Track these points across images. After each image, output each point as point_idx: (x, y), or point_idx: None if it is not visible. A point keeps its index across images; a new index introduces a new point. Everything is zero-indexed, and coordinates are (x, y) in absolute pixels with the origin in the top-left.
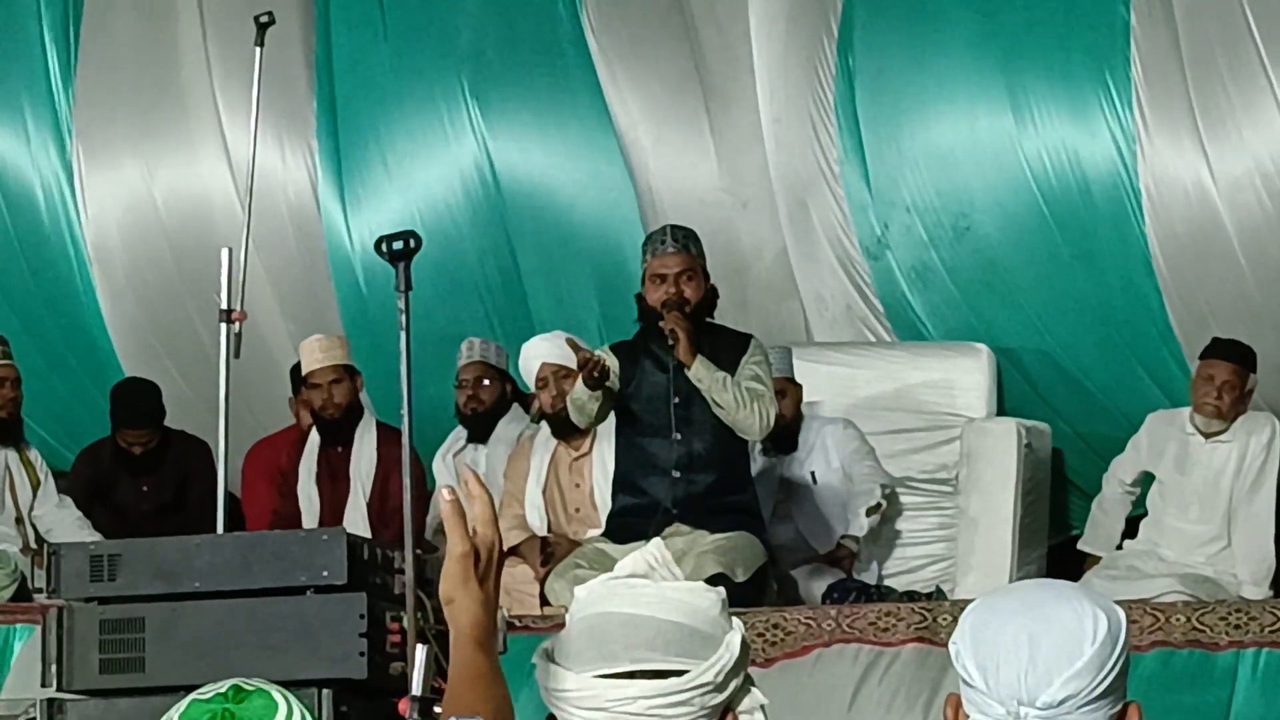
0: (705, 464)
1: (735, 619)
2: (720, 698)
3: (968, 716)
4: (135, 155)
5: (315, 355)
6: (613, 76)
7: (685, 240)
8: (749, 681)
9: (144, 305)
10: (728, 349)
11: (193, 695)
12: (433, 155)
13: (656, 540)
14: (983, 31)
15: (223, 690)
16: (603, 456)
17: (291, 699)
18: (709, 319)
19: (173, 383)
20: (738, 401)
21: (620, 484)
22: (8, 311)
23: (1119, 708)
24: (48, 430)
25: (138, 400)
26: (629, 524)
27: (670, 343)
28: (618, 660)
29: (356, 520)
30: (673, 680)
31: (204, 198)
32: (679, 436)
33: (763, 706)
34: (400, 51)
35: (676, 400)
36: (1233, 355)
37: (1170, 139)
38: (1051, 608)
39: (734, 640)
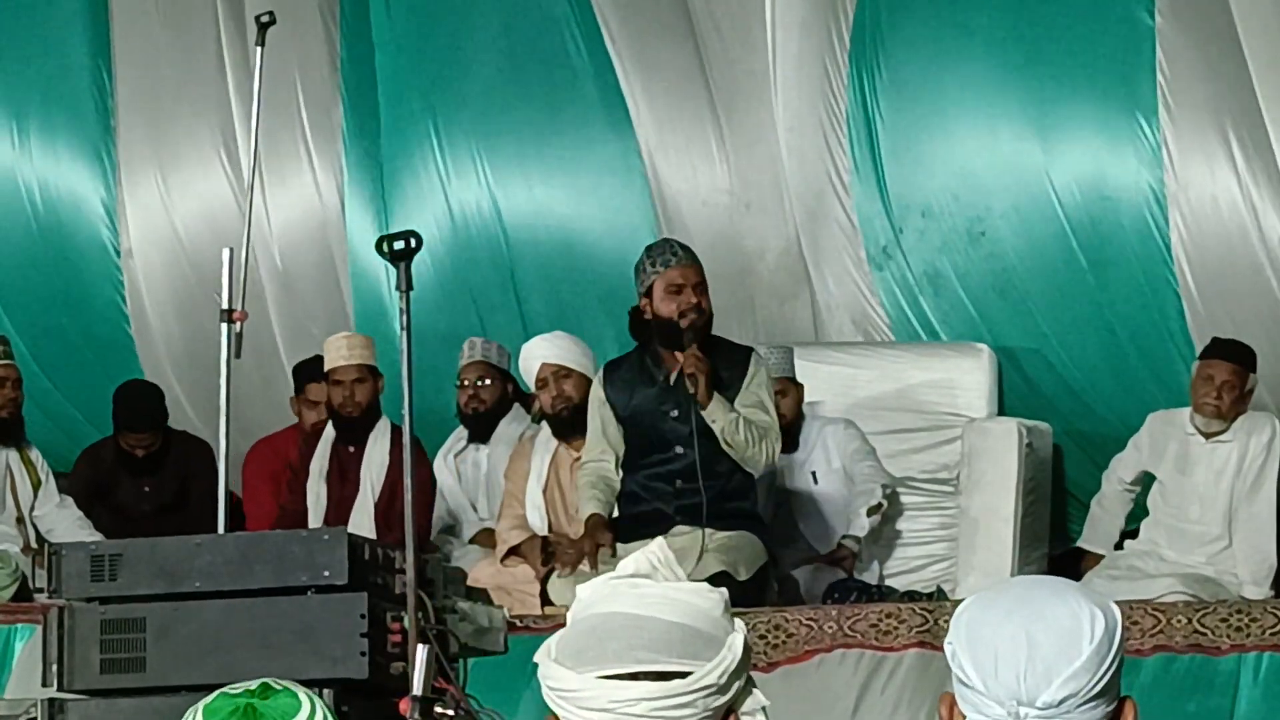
0: (707, 474)
1: (738, 620)
2: (723, 699)
3: (964, 716)
4: (171, 159)
5: (341, 352)
6: (625, 75)
7: (692, 254)
8: (750, 683)
9: (175, 308)
10: (728, 364)
11: (223, 689)
12: (435, 162)
13: (659, 540)
14: (1005, 37)
15: (253, 687)
16: None
17: (317, 701)
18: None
19: (198, 385)
20: (748, 440)
21: (623, 497)
22: (30, 312)
23: (1115, 705)
24: (61, 431)
25: (139, 403)
26: (633, 530)
27: (690, 389)
28: (621, 661)
29: (363, 521)
30: (676, 682)
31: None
32: (679, 450)
33: (764, 708)
34: (406, 52)
35: (675, 414)
36: (1232, 355)
37: (1198, 149)
38: (1048, 606)
39: (736, 642)
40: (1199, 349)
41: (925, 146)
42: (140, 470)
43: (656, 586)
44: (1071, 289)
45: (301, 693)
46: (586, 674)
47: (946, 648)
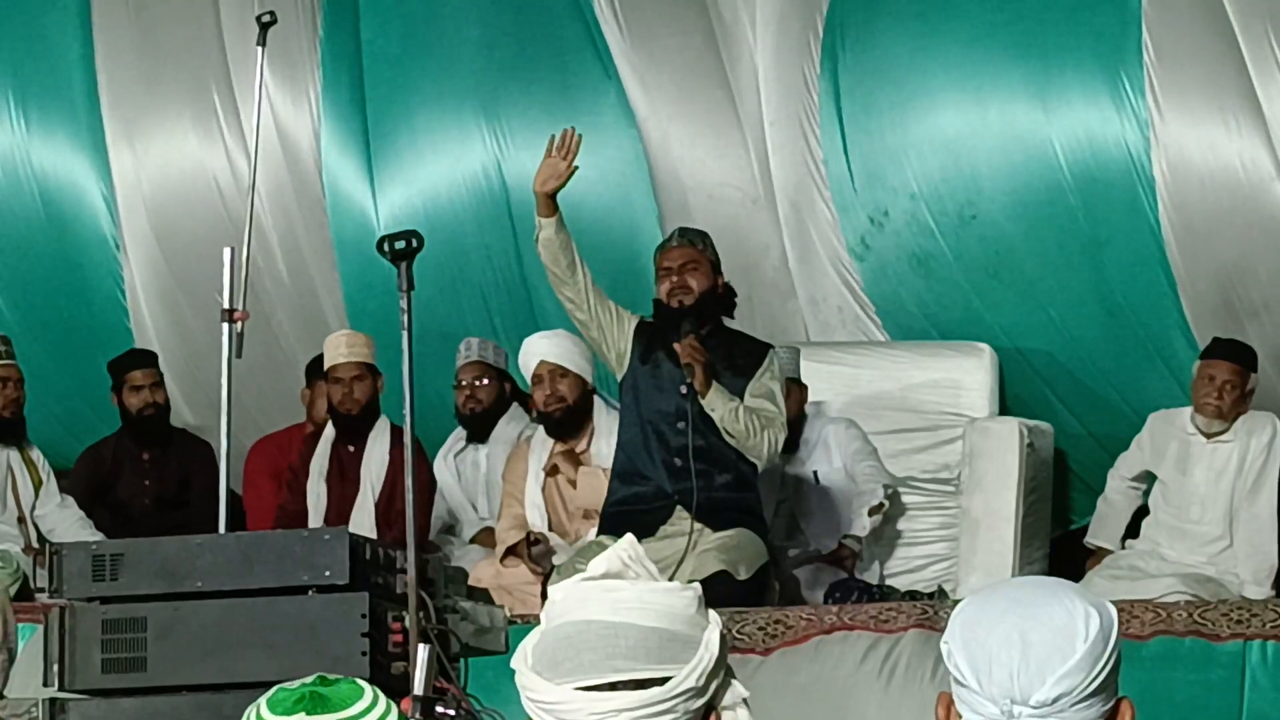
0: (709, 457)
1: (712, 613)
2: (702, 700)
3: (960, 716)
4: (171, 148)
5: (341, 350)
6: (631, 68)
7: (690, 236)
8: (729, 675)
9: (173, 302)
10: (745, 356)
11: (278, 685)
12: (437, 148)
13: (629, 537)
14: (992, 18)
15: (308, 681)
16: (600, 454)
17: (377, 691)
18: (726, 320)
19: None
20: (749, 429)
21: (619, 475)
22: (33, 302)
23: (1111, 704)
24: (61, 426)
25: (133, 350)
26: (628, 514)
27: (688, 378)
28: (599, 671)
29: (363, 520)
30: (655, 690)
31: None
32: (681, 425)
33: (745, 700)
34: (408, 43)
35: (684, 391)
36: (1233, 355)
37: (1185, 124)
38: (1042, 605)
39: (713, 637)
40: (1193, 326)
41: (912, 130)
42: (143, 441)
43: (630, 589)
44: (1067, 269)
45: (361, 682)
46: (565, 685)
47: (942, 647)
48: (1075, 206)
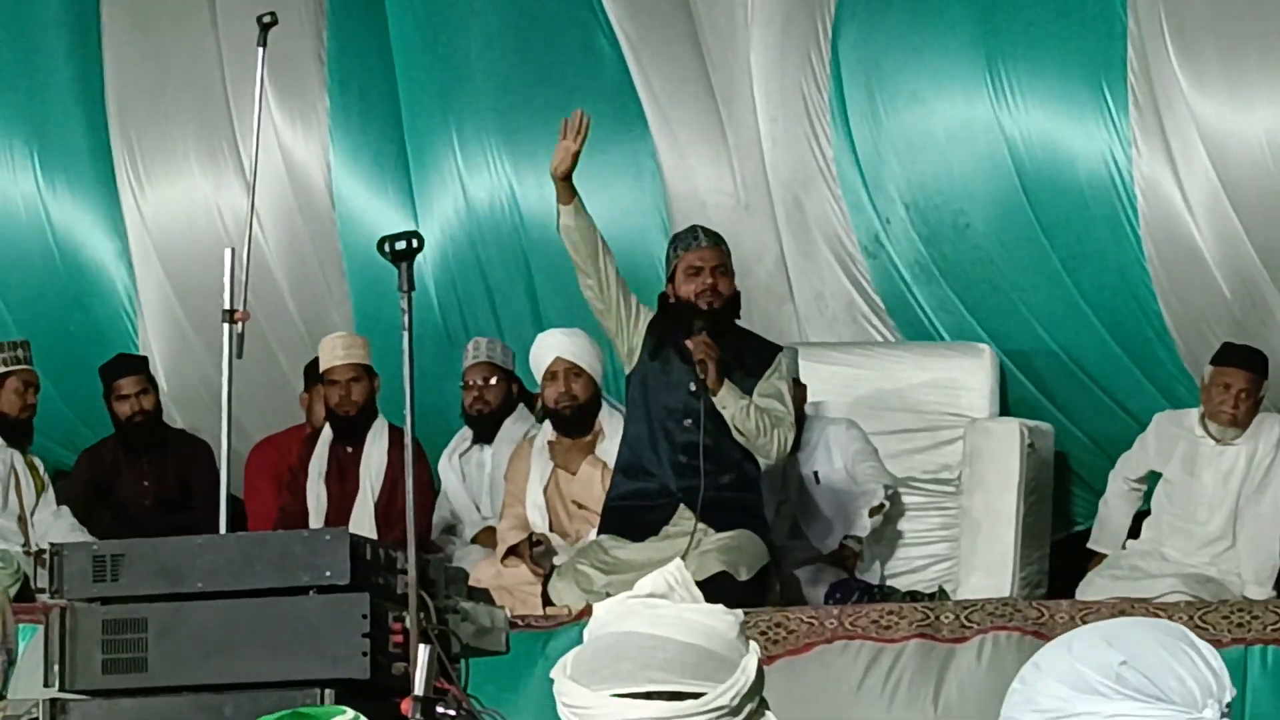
0: (713, 455)
1: (752, 642)
2: None
3: None
4: (172, 166)
5: (336, 352)
6: (641, 73)
7: (717, 238)
8: (764, 705)
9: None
10: (754, 356)
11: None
12: (447, 157)
13: (677, 561)
14: (979, 31)
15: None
16: (604, 455)
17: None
18: (737, 320)
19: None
20: (759, 428)
21: (623, 469)
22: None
23: None
24: (59, 445)
25: (120, 355)
26: (630, 510)
27: (699, 374)
28: (635, 680)
29: (363, 520)
30: (689, 702)
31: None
32: (689, 423)
33: None
34: (414, 51)
35: (693, 388)
36: (1249, 363)
37: (1164, 143)
38: (1147, 625)
39: (750, 664)
40: (1176, 338)
41: (908, 138)
42: (140, 448)
43: (673, 607)
44: (1054, 281)
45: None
46: (601, 692)
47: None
48: (1058, 218)
